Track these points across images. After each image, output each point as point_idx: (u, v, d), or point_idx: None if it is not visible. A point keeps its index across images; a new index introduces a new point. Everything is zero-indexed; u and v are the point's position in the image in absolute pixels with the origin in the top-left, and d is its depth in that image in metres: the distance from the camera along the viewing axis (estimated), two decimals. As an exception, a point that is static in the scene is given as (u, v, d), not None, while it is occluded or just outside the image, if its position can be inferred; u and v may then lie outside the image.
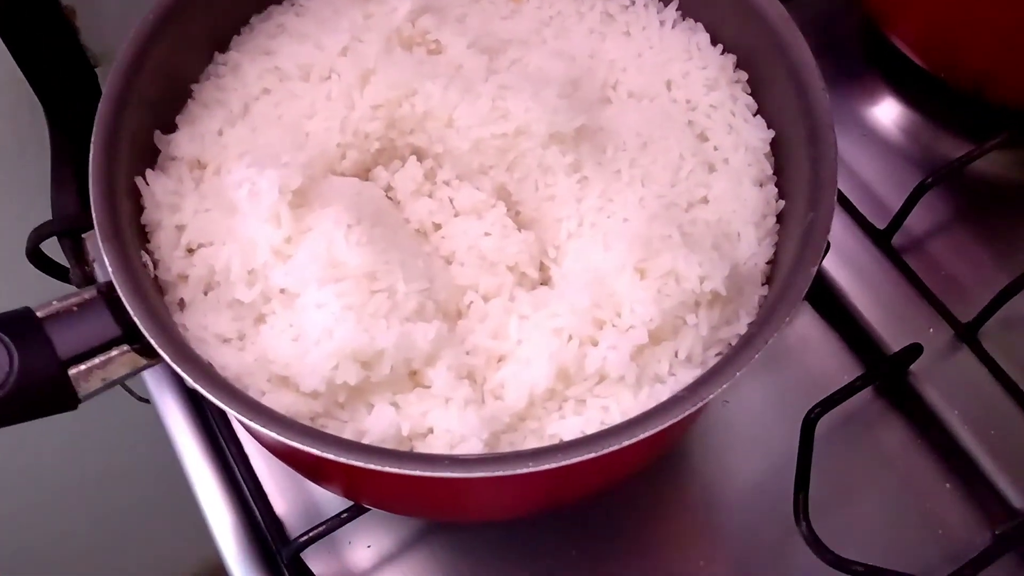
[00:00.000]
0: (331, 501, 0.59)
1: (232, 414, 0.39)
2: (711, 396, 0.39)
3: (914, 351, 0.60)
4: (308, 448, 0.37)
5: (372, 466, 0.37)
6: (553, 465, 0.37)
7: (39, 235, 0.65)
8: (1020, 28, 0.64)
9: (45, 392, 0.40)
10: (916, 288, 0.66)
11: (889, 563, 0.54)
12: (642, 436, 0.38)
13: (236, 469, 0.60)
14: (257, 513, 0.59)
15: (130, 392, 0.81)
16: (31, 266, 0.67)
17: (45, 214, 0.69)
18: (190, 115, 0.52)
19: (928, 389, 0.62)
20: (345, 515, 0.53)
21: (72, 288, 0.66)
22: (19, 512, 1.13)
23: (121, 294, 0.41)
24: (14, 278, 0.71)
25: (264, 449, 0.60)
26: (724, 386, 0.39)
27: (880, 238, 0.68)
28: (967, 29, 0.67)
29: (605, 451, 0.38)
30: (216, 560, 0.58)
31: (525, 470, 0.37)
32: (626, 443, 0.38)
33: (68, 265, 0.67)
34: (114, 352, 0.41)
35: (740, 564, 0.58)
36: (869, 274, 0.67)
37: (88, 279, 0.65)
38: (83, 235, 0.67)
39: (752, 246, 0.49)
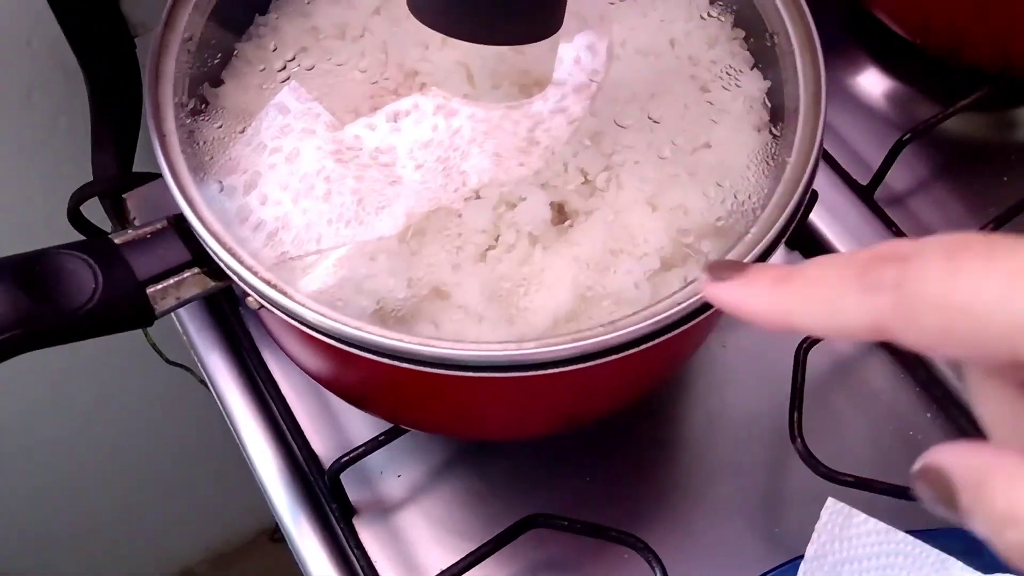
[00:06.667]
0: (362, 434, 0.64)
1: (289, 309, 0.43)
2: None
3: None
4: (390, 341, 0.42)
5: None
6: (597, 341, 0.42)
7: (81, 195, 0.68)
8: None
9: (126, 308, 0.44)
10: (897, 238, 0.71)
11: (876, 476, 0.59)
12: (683, 305, 0.43)
13: (275, 410, 0.64)
14: (296, 449, 0.63)
15: (162, 356, 0.85)
16: (55, 233, 0.70)
17: (74, 183, 0.72)
18: (235, 71, 0.57)
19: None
20: (382, 437, 0.58)
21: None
22: (55, 480, 1.14)
23: (192, 224, 0.45)
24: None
25: (297, 389, 0.65)
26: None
27: (863, 193, 0.73)
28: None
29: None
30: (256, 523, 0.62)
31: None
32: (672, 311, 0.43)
33: (105, 226, 0.71)
34: (186, 274, 0.46)
35: (739, 485, 0.63)
36: (854, 226, 0.72)
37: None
38: (124, 195, 0.70)
39: (752, 184, 0.54)
